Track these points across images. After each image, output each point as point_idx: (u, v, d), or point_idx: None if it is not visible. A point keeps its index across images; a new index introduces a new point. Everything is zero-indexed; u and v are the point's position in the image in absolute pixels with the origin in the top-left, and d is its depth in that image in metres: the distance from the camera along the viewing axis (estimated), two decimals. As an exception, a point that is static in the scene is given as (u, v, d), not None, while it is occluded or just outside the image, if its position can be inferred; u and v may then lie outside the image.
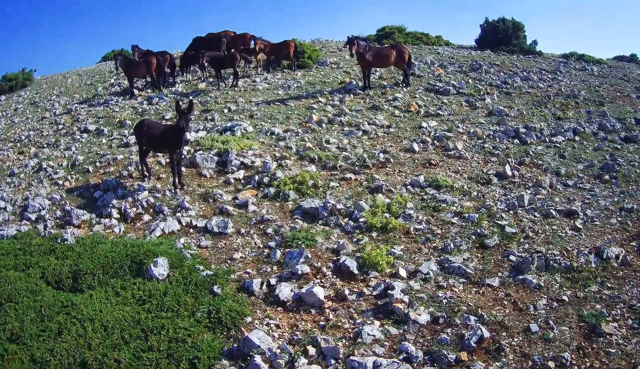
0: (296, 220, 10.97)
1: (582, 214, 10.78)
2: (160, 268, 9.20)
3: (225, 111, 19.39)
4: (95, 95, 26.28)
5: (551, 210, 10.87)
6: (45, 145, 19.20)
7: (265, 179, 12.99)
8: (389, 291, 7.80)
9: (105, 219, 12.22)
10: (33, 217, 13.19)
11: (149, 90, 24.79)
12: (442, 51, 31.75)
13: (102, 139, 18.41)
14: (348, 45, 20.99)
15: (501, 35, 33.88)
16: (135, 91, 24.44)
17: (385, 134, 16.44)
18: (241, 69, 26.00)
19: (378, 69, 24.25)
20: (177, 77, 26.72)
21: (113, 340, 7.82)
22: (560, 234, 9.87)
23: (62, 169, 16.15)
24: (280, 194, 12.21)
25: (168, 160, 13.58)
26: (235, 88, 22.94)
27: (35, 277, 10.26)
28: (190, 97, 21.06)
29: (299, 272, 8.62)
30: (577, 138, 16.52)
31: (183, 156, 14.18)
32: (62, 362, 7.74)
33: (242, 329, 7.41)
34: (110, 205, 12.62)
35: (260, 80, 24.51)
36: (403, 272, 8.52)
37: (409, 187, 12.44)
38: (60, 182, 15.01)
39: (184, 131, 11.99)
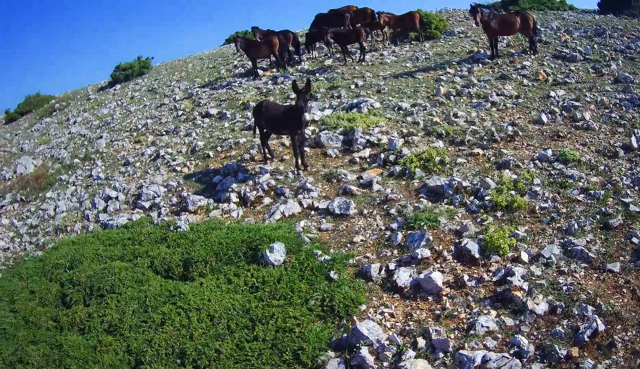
0: (421, 199, 11.11)
1: None
2: (277, 254, 9.61)
3: (352, 86, 19.70)
4: (218, 78, 27.46)
5: (680, 185, 10.31)
6: (163, 132, 20.44)
7: (391, 157, 13.15)
8: (509, 277, 7.89)
9: (224, 203, 12.88)
10: (147, 205, 14.17)
11: (274, 70, 25.51)
12: (567, 16, 30.94)
13: (225, 122, 19.28)
14: (472, 14, 21.23)
15: (622, -1, 32.59)
16: (260, 71, 25.29)
17: (514, 105, 16.26)
18: (368, 43, 26.26)
19: (505, 37, 23.94)
20: (303, 55, 27.36)
21: (218, 330, 8.25)
22: (689, 213, 9.50)
23: (181, 155, 17.17)
24: (406, 172, 12.34)
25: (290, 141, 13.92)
26: (363, 63, 23.29)
27: (143, 266, 10.93)
28: (308, 76, 21.48)
29: (419, 256, 8.80)
30: None
31: (307, 137, 14.56)
32: (160, 352, 8.29)
33: (355, 318, 7.65)
34: (230, 189, 13.28)
35: (388, 53, 24.72)
36: (525, 256, 8.53)
37: (536, 161, 12.34)
38: (179, 168, 15.95)
39: (303, 111, 12.38)
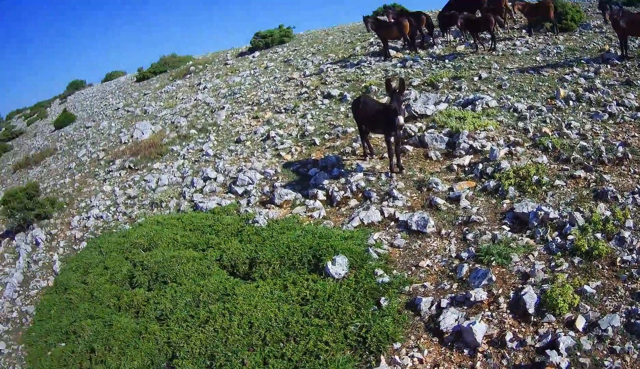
0: (503, 226, 10.21)
1: None
2: (338, 267, 9.49)
3: (475, 79, 18.82)
4: (352, 55, 27.17)
5: None
6: (282, 110, 20.52)
7: (489, 169, 12.26)
8: (548, 350, 6.84)
9: (310, 200, 12.83)
10: (240, 191, 14.40)
11: (406, 51, 24.95)
12: None
13: (342, 106, 19.07)
14: (600, 10, 20.18)
15: None
16: (392, 52, 24.81)
17: (632, 120, 14.23)
18: (505, 31, 25.26)
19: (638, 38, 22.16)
20: (438, 37, 26.62)
21: (252, 339, 8.43)
22: None
23: (290, 139, 17.27)
24: (500, 189, 11.45)
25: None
26: (493, 52, 22.31)
27: (211, 259, 11.40)
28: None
29: (472, 298, 8.09)
30: None
31: (412, 134, 14.19)
32: (194, 351, 8.65)
33: (382, 357, 7.42)
34: (320, 185, 13.18)
35: (521, 43, 23.53)
36: (581, 323, 7.28)
37: (637, 196, 10.37)
38: (283, 153, 16.07)
39: (397, 113, 11.82)
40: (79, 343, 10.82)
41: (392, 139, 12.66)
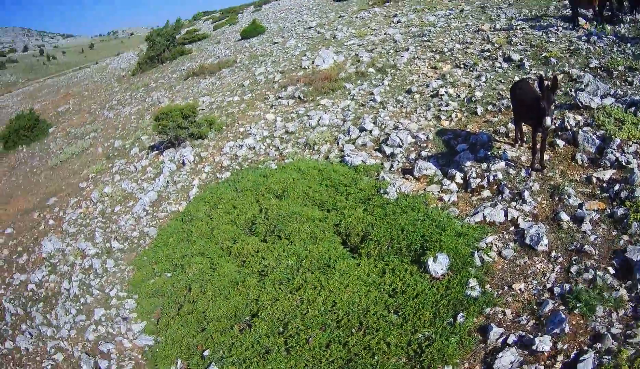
0: (609, 268, 9.54)
1: None
2: (438, 266, 9.96)
3: (655, 72, 17.48)
4: (543, 15, 25.78)
5: None
6: (462, 65, 20.04)
7: (623, 194, 11.34)
8: None
9: (448, 180, 13.08)
10: (388, 151, 14.80)
11: (594, 23, 23.81)
12: None
13: (517, 75, 18.17)
14: None
15: None
16: (582, 21, 23.67)
17: None
18: None
19: None
20: (627, 15, 25.08)
21: (328, 319, 9.25)
22: None
23: (456, 102, 17.02)
24: (624, 221, 10.61)
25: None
26: (679, 44, 20.68)
27: (329, 223, 12.10)
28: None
29: (535, 346, 7.94)
30: None
31: (568, 128, 13.83)
32: (273, 315, 9.70)
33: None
34: (462, 166, 13.29)
35: None
36: None
37: None
38: (443, 117, 16.05)
39: (545, 114, 11.52)
40: (181, 278, 12.25)
41: (536, 135, 12.52)
